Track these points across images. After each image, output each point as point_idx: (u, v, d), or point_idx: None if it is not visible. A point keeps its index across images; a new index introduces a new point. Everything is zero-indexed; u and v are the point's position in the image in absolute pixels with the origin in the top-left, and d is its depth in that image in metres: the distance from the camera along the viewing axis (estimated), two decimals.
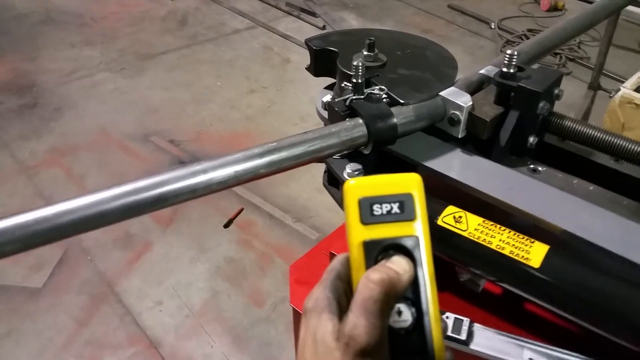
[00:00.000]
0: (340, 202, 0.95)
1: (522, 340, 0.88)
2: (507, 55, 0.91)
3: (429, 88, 0.92)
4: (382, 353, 0.48)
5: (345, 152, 0.88)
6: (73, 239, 2.58)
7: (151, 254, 2.55)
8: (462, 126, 0.92)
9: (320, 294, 0.52)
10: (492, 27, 4.96)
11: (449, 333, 0.88)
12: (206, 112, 3.66)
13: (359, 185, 0.54)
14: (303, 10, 5.20)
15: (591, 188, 0.91)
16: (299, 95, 3.87)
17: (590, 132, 0.91)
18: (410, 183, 0.54)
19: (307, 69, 1.10)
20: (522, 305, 0.98)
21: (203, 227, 2.71)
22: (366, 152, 0.88)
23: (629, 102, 2.32)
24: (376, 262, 0.52)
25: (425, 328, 0.51)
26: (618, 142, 0.89)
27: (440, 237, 0.82)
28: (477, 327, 0.90)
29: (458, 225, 0.82)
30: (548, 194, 0.85)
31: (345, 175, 0.91)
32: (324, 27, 4.87)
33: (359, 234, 0.53)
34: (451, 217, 0.84)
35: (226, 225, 2.69)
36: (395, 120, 0.85)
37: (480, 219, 0.83)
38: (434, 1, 5.51)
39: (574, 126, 0.92)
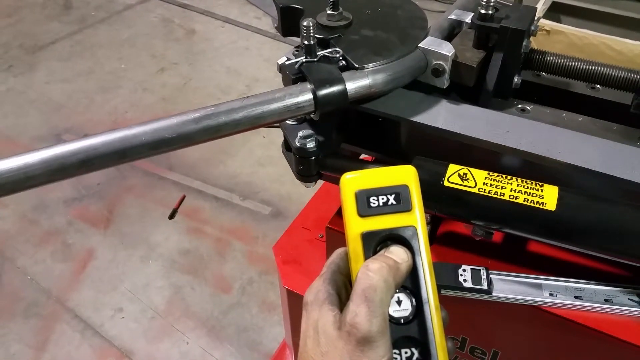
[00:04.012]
0: (294, 170, 0.92)
1: (538, 278, 0.90)
2: None
3: (389, 51, 0.86)
4: (384, 341, 0.48)
5: (293, 117, 0.85)
6: (5, 260, 2.35)
7: (96, 260, 2.37)
8: (446, 76, 0.89)
9: (320, 287, 0.53)
10: None
11: (470, 285, 0.87)
12: (117, 100, 3.40)
13: (355, 179, 0.55)
14: None
15: (580, 119, 0.92)
16: (214, 67, 3.69)
17: (572, 63, 0.91)
18: (405, 175, 0.55)
19: (275, 27, 1.03)
20: (524, 245, 1.00)
21: (145, 222, 2.55)
22: (315, 118, 0.85)
23: (539, 29, 2.42)
24: (375, 253, 0.53)
25: (425, 317, 0.52)
26: (600, 69, 0.90)
27: (451, 199, 0.80)
28: (492, 274, 0.90)
29: (466, 183, 0.80)
30: (544, 132, 0.85)
31: (297, 142, 0.87)
32: None
33: (357, 226, 0.53)
34: (456, 175, 0.81)
35: (171, 216, 2.55)
36: (345, 86, 0.80)
37: (485, 172, 0.81)
38: None
39: (556, 60, 0.92)
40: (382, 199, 0.53)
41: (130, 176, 2.78)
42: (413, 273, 0.53)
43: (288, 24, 1.00)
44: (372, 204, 0.53)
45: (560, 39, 2.40)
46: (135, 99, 3.41)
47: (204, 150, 2.86)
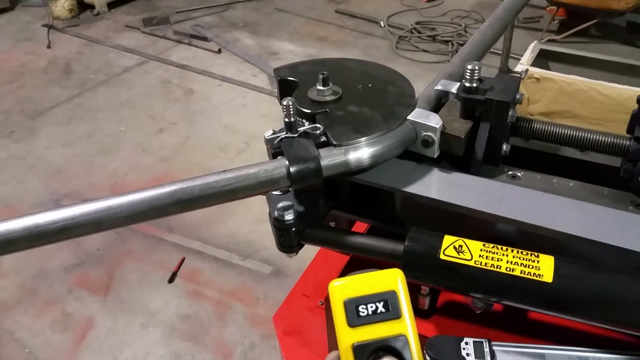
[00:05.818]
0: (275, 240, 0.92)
1: (541, 348, 0.87)
2: (469, 71, 0.90)
3: (370, 129, 0.87)
4: None
5: (270, 191, 0.87)
6: (4, 333, 2.31)
7: (96, 329, 2.33)
8: (436, 146, 0.90)
9: None
10: (382, 25, 5.11)
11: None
12: (117, 162, 3.44)
13: (343, 287, 0.55)
14: (193, 36, 5.07)
15: (571, 184, 0.92)
16: (212, 125, 3.75)
17: (559, 130, 0.93)
18: (392, 280, 0.56)
19: (276, 97, 1.07)
20: (526, 313, 0.98)
21: (145, 287, 2.52)
22: (293, 192, 0.88)
23: (529, 77, 2.48)
24: None
25: None
26: (586, 135, 0.92)
27: (448, 272, 0.79)
28: (495, 345, 0.88)
29: (461, 255, 0.79)
30: (536, 199, 0.85)
31: (276, 213, 0.88)
32: (219, 51, 4.77)
33: (348, 337, 0.53)
34: (451, 248, 0.81)
35: (170, 280, 2.52)
36: (320, 163, 0.81)
37: (480, 244, 0.80)
38: (321, 8, 5.59)
39: (543, 127, 0.94)
40: (371, 307, 0.54)
41: (129, 240, 2.77)
42: None
43: (285, 94, 1.03)
44: (361, 313, 0.54)
45: (550, 85, 2.44)
46: (135, 161, 3.44)
47: (204, 210, 2.86)
